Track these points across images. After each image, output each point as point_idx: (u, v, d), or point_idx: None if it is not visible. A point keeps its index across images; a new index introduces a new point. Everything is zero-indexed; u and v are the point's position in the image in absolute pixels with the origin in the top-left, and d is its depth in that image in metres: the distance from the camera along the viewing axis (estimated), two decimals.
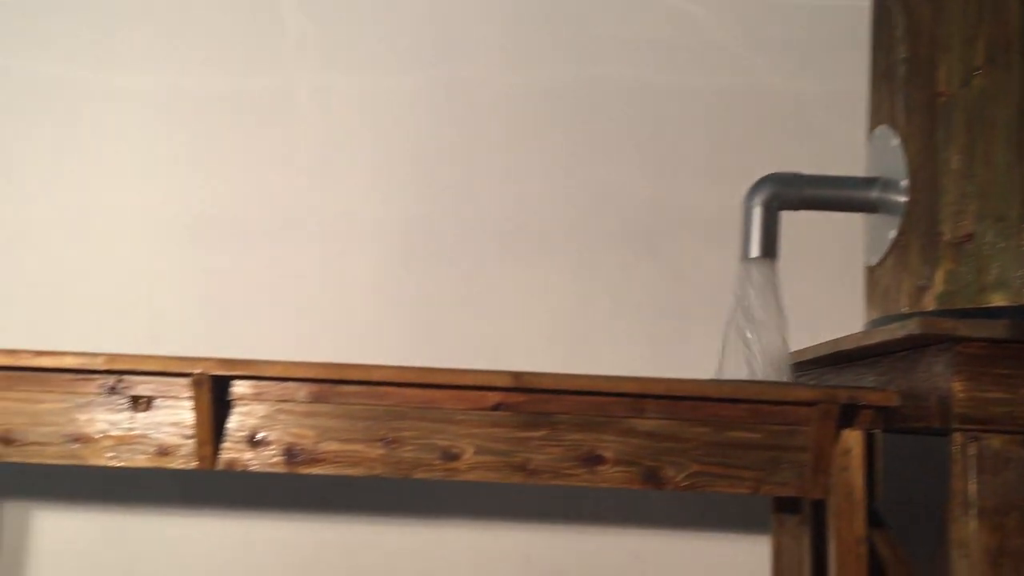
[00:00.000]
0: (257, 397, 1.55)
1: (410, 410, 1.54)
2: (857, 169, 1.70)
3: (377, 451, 1.54)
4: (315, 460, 1.54)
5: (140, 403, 1.56)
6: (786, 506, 1.89)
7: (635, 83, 2.18)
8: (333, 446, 1.55)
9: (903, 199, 1.52)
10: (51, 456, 1.55)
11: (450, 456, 1.54)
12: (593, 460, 1.52)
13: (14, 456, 1.55)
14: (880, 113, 1.63)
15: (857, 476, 1.49)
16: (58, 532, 2.05)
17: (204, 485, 2.06)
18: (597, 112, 2.17)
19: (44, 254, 2.10)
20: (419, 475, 1.54)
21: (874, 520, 1.54)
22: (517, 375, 1.52)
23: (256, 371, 1.54)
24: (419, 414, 1.54)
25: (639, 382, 1.52)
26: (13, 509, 2.04)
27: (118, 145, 2.14)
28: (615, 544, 2.07)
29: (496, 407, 1.53)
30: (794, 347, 1.64)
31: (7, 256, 2.10)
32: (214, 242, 2.11)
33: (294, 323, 2.10)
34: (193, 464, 1.55)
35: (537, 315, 2.11)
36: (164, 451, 1.55)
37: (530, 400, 1.53)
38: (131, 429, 1.55)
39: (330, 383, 1.55)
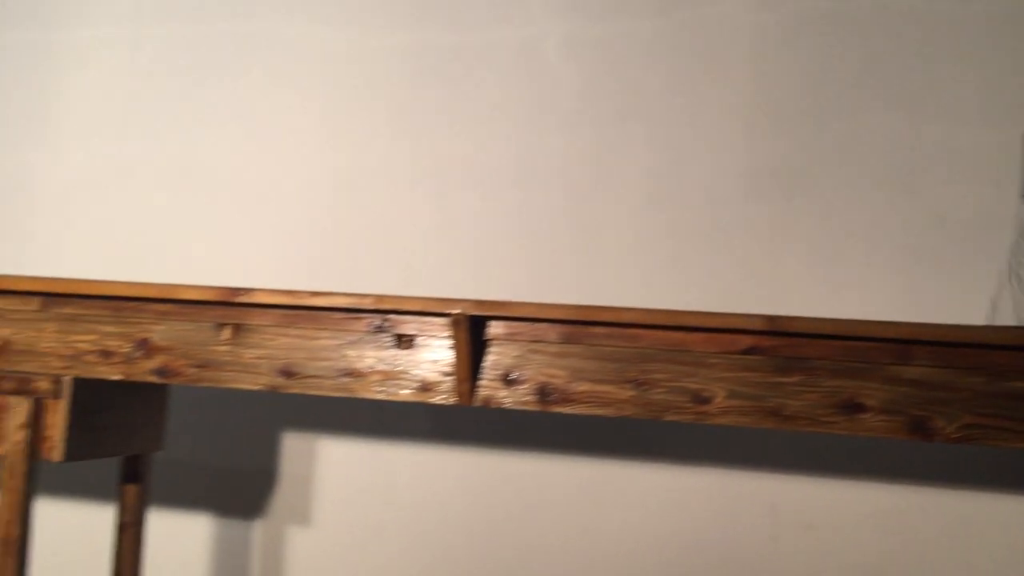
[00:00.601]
0: (511, 337, 1.58)
1: (660, 352, 1.52)
2: None
3: (627, 392, 1.53)
4: (567, 400, 1.55)
5: (404, 341, 1.63)
6: None
7: (893, 11, 2.01)
8: (584, 386, 1.55)
9: None
10: (327, 389, 1.65)
11: (701, 399, 1.50)
12: (853, 408, 1.43)
13: (295, 388, 1.66)
14: None
15: None
16: (332, 459, 2.19)
17: (451, 419, 2.14)
18: (852, 45, 2.02)
19: (318, 206, 2.23)
20: (669, 418, 1.51)
21: None
22: (771, 318, 1.45)
23: (510, 312, 1.56)
24: (669, 356, 1.51)
25: (906, 327, 1.40)
26: (296, 439, 2.20)
27: (375, 102, 2.22)
28: (868, 499, 1.95)
29: (749, 351, 1.47)
30: None
31: (287, 209, 2.24)
32: (462, 188, 2.16)
33: (541, 267, 2.11)
34: (453, 400, 1.60)
35: (787, 258, 2.01)
36: (426, 387, 1.61)
37: (785, 344, 1.46)
38: (396, 365, 1.63)
39: (581, 324, 1.54)
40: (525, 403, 1.57)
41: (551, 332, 1.56)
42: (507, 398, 1.58)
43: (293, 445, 2.20)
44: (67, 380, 1.70)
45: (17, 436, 1.68)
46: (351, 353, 1.64)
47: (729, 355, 1.48)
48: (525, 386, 1.57)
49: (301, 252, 2.22)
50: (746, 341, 1.47)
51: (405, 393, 1.62)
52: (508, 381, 1.58)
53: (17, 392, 1.69)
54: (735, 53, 2.07)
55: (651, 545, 2.03)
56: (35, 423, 1.69)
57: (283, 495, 2.20)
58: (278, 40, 2.29)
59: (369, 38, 2.23)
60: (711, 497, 2.02)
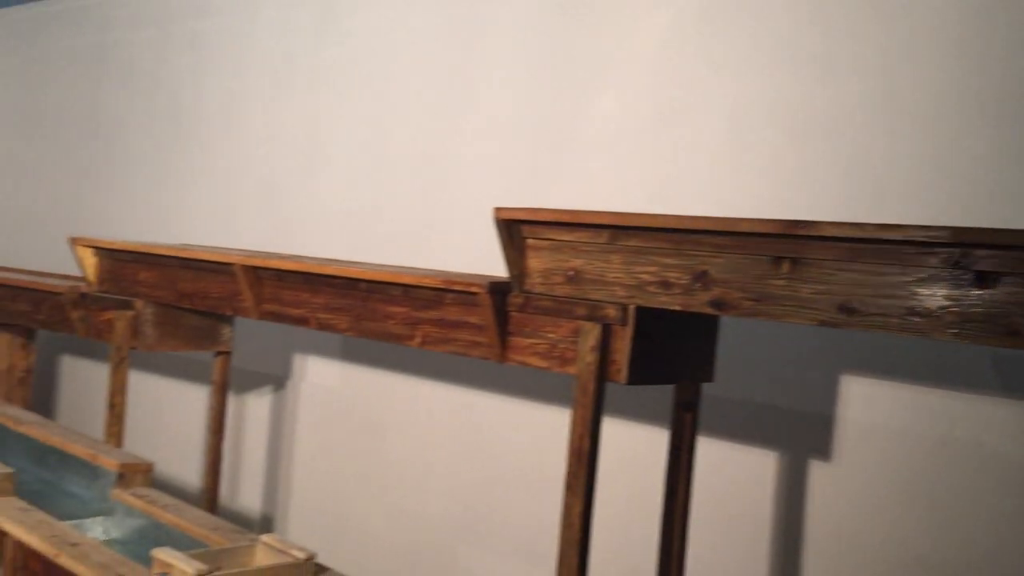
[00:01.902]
0: None
1: None
2: None
3: None
4: None
5: (986, 279, 1.44)
6: None
7: None
8: None
9: None
10: (892, 328, 1.52)
11: None
12: None
13: (855, 325, 1.56)
14: None
15: None
16: (875, 401, 2.06)
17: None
18: None
19: (871, 135, 2.08)
20: None
21: None
22: None
23: None
24: None
25: None
26: (840, 379, 2.10)
27: (942, 28, 1.99)
28: None
29: None
30: None
31: (840, 140, 2.12)
32: None
33: None
34: None
35: None
36: (1013, 331, 1.41)
37: None
38: (974, 306, 1.45)
39: None
40: None
41: None
42: None
43: (835, 384, 2.11)
44: (631, 308, 1.79)
45: (589, 358, 1.81)
46: (921, 291, 1.49)
47: None
48: None
49: (859, 184, 2.09)
50: None
51: (986, 337, 1.43)
52: None
53: (589, 318, 1.82)
54: None
55: None
56: (604, 347, 1.81)
57: (836, 437, 2.12)
58: None
59: None
60: None
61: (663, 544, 2.02)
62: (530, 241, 1.92)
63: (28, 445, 2.74)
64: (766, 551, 2.18)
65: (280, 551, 2.01)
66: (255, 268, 2.44)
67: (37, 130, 4.38)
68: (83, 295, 2.93)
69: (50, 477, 2.66)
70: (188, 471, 3.46)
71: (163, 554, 1.91)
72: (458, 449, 2.78)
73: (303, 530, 3.17)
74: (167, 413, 3.67)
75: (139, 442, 3.45)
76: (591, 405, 1.81)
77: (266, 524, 3.29)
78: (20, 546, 2.14)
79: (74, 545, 2.06)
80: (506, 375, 2.62)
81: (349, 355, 3.09)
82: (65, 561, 1.99)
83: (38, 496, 2.46)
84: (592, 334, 1.80)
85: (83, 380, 4.08)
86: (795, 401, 2.16)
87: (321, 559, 2.07)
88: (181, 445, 3.53)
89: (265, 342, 3.30)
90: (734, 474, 2.23)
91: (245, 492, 3.39)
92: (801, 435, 2.15)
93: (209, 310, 2.67)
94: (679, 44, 2.37)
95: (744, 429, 2.23)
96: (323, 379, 3.16)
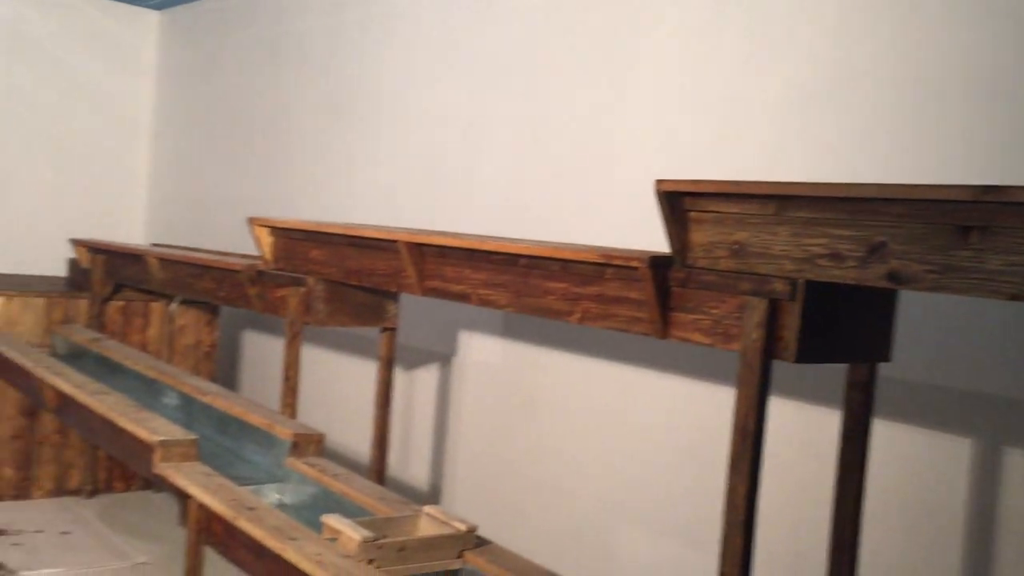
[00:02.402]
0: None
1: None
2: None
3: None
4: None
5: None
6: None
7: None
8: None
9: None
10: None
11: None
12: None
13: None
14: None
15: None
16: None
17: None
18: None
19: None
20: None
21: None
22: None
23: None
24: None
25: None
26: None
27: None
28: None
29: None
30: None
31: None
32: None
33: None
34: None
35: None
36: None
37: None
38: None
39: None
40: None
41: None
42: None
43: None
44: (800, 283, 1.69)
45: (755, 334, 1.73)
46: None
47: None
48: None
49: None
50: None
51: None
52: None
53: (754, 293, 1.74)
54: None
55: None
56: (770, 323, 1.72)
57: None
58: None
59: None
60: None
61: (834, 531, 1.92)
62: (692, 214, 1.86)
63: (212, 414, 2.91)
64: (955, 544, 2.04)
65: (442, 522, 2.04)
66: (418, 245, 2.48)
67: (218, 120, 4.63)
68: (260, 273, 3.07)
69: (231, 444, 2.81)
70: (359, 442, 3.59)
71: (332, 520, 1.97)
72: (618, 427, 2.75)
73: (468, 503, 3.22)
74: (339, 387, 3.81)
75: (315, 414, 3.61)
76: (756, 384, 1.73)
77: (434, 496, 3.37)
78: (203, 508, 2.27)
79: (251, 509, 2.16)
80: (668, 352, 2.56)
81: (510, 332, 3.11)
82: (243, 524, 2.10)
83: (219, 462, 2.60)
84: (758, 310, 1.72)
85: (263, 354, 4.30)
86: (988, 384, 2.00)
87: (482, 532, 2.09)
88: (353, 417, 3.66)
89: (434, 321, 3.36)
90: (914, 460, 2.09)
91: (414, 464, 3.48)
92: (995, 421, 1.99)
93: (375, 287, 2.74)
94: (860, 6, 2.23)
95: (925, 413, 2.09)
96: (486, 356, 3.19)
